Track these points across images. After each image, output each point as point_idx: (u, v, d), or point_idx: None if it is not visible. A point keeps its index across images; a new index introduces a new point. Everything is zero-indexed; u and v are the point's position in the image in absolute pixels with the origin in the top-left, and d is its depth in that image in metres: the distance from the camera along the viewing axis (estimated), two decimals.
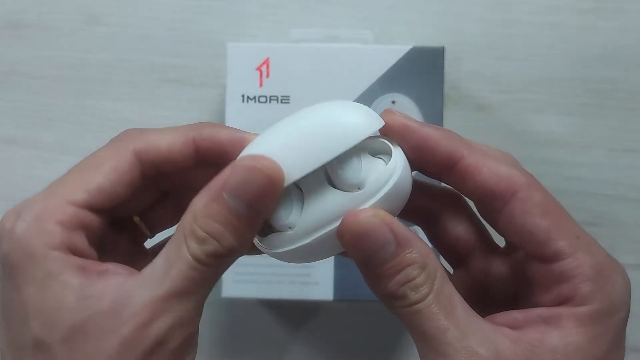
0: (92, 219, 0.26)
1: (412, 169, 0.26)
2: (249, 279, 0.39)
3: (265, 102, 0.39)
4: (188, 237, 0.24)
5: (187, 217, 0.24)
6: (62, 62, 0.45)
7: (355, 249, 0.24)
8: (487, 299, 0.28)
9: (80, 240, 0.25)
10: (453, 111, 0.44)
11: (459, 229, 0.29)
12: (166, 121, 0.45)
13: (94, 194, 0.26)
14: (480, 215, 0.28)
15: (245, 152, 0.25)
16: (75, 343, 0.23)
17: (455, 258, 0.29)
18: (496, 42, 0.44)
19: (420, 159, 0.26)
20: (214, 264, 0.24)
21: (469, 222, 0.29)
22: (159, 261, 0.24)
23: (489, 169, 0.25)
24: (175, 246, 0.24)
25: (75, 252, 0.25)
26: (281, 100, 0.39)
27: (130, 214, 0.29)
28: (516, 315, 0.25)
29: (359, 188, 0.24)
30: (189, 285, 0.24)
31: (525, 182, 0.25)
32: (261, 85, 0.39)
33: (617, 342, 0.24)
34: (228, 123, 0.39)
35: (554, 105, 0.44)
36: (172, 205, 0.30)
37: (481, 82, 0.44)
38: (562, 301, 0.25)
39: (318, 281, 0.39)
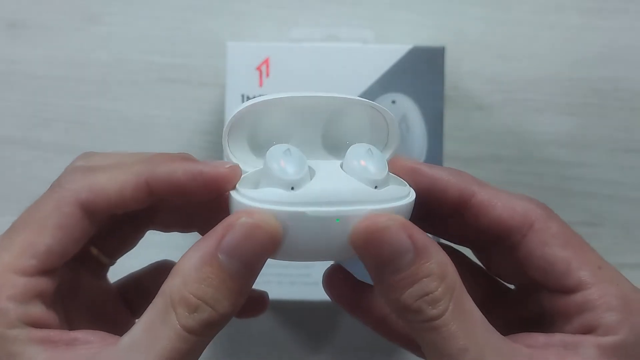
0: (45, 283, 0.23)
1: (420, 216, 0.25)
2: None
3: None
4: (177, 305, 0.22)
5: (174, 282, 0.22)
6: (61, 62, 0.45)
7: (368, 253, 0.22)
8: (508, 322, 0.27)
9: (38, 309, 0.23)
10: (453, 111, 0.44)
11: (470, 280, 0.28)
12: (166, 121, 0.45)
13: (43, 258, 0.23)
14: (486, 261, 0.28)
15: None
16: None
17: None
18: (497, 42, 0.44)
19: (432, 199, 0.25)
20: (206, 334, 0.22)
21: (476, 273, 0.29)
22: (138, 330, 0.22)
23: (502, 203, 0.25)
24: (160, 315, 0.22)
25: (35, 324, 0.22)
26: None
27: (84, 248, 0.26)
28: (539, 337, 0.24)
29: (376, 187, 0.23)
30: (178, 358, 0.22)
31: (541, 214, 0.25)
32: (261, 84, 0.39)
33: None
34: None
35: (555, 105, 0.44)
36: (130, 227, 0.28)
37: (481, 81, 0.44)
38: (586, 331, 0.23)
39: (318, 281, 0.39)
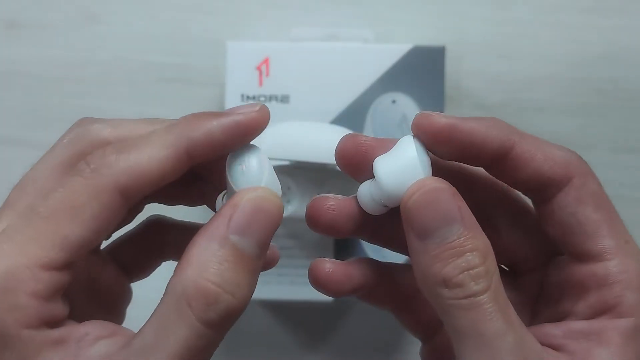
0: (68, 276, 0.21)
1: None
2: None
3: (265, 101, 0.39)
4: (193, 299, 0.20)
5: (187, 274, 0.20)
6: (61, 62, 0.45)
7: (417, 217, 0.21)
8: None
9: (59, 305, 0.21)
10: (454, 110, 0.44)
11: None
12: None
13: (74, 251, 0.21)
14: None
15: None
16: None
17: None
18: (497, 41, 0.44)
19: (468, 154, 0.23)
20: (224, 326, 0.20)
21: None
22: (149, 333, 0.20)
23: (543, 154, 0.23)
24: (173, 313, 0.20)
25: (52, 322, 0.21)
26: (281, 99, 0.39)
27: None
28: (552, 330, 0.23)
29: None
30: (193, 357, 0.20)
31: (582, 170, 0.23)
32: (261, 84, 0.39)
33: None
34: None
35: (555, 104, 0.44)
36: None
37: (482, 81, 0.44)
38: (602, 310, 0.22)
39: None
